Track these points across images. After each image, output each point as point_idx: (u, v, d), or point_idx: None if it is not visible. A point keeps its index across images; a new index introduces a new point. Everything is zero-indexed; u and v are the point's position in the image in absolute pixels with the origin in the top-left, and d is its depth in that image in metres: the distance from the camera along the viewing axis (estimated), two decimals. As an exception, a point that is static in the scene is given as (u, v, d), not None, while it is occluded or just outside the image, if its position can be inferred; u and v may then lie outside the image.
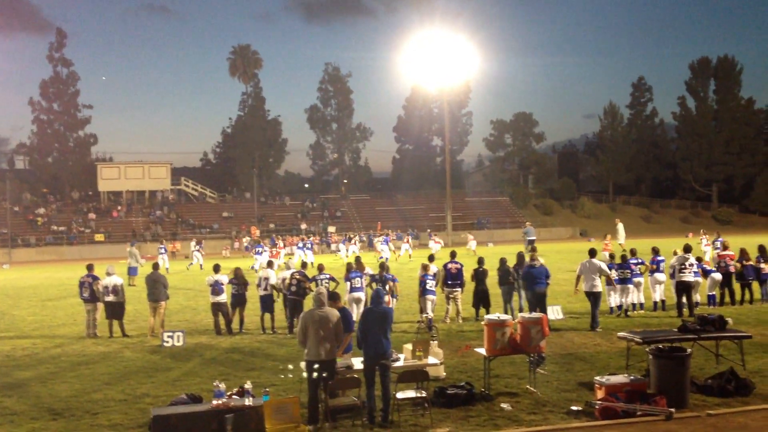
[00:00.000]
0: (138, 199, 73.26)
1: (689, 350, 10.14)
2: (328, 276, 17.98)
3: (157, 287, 17.39)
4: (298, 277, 17.59)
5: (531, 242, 41.43)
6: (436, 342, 12.13)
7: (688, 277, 17.35)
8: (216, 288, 17.36)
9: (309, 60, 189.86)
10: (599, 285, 16.42)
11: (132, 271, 31.62)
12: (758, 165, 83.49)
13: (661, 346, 10.45)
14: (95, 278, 17.81)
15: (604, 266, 16.79)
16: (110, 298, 17.48)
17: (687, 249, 17.94)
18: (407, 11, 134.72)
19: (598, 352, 13.30)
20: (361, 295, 17.77)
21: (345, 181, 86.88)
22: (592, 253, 16.87)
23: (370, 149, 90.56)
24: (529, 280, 16.40)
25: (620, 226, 42.64)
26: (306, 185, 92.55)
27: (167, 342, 15.70)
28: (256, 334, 16.96)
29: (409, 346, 11.03)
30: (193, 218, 69.28)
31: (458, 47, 60.23)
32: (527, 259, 17.61)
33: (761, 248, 19.77)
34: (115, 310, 17.53)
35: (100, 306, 17.72)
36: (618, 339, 12.48)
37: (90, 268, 18.15)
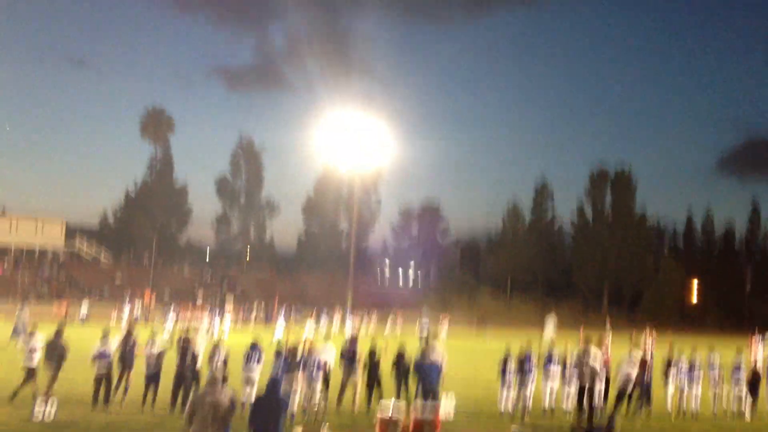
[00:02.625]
0: (27, 256, 70.05)
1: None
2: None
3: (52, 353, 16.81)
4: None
5: (425, 330, 41.87)
6: (327, 425, 11.99)
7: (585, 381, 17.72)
8: (101, 357, 16.69)
9: (224, 129, 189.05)
10: None
11: (16, 332, 30.02)
12: (647, 278, 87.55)
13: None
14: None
15: None
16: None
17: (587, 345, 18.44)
18: (326, 90, 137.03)
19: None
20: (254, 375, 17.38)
21: (247, 255, 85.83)
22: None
23: (276, 225, 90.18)
24: (421, 374, 16.55)
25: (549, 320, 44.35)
26: (207, 256, 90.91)
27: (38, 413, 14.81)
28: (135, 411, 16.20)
29: (299, 429, 10.86)
30: (84, 280, 66.61)
31: (372, 131, 61.33)
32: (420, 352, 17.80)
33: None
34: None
35: None
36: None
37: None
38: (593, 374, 17.10)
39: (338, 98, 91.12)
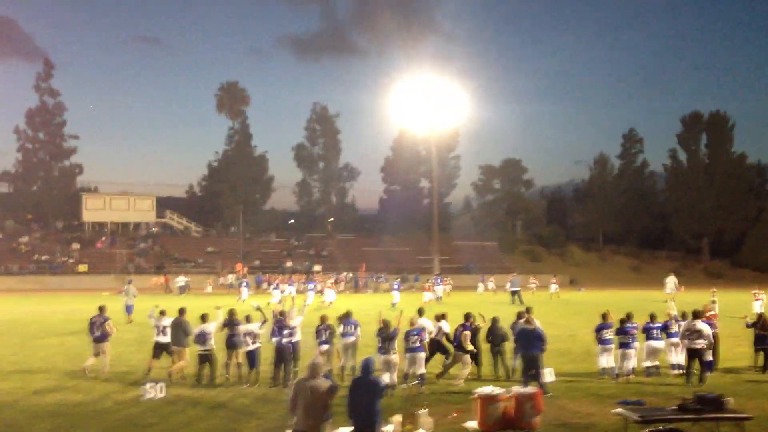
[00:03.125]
0: (122, 231, 72.55)
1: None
2: (327, 327, 17.11)
3: (178, 333, 17.09)
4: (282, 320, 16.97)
5: (515, 293, 41.17)
6: (425, 410, 11.66)
7: (696, 344, 16.89)
8: (202, 338, 16.84)
9: (298, 98, 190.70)
10: None
11: (129, 309, 30.52)
12: (749, 220, 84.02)
13: (659, 427, 10.07)
14: (106, 318, 17.88)
15: None
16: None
17: (696, 315, 17.54)
18: (398, 54, 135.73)
19: (593, 424, 12.78)
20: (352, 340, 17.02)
21: (331, 219, 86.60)
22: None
23: (356, 189, 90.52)
24: (522, 342, 15.99)
25: (670, 279, 43.20)
26: (291, 221, 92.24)
27: (149, 393, 15.10)
28: (236, 388, 16.32)
29: (398, 418, 10.58)
30: (177, 252, 68.56)
31: (447, 92, 60.51)
32: (522, 319, 17.22)
33: None
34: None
35: (108, 346, 17.74)
36: (613, 414, 12.06)
37: (102, 309, 18.26)
38: (699, 338, 16.35)
39: (410, 60, 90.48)
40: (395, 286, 42.76)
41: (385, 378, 14.80)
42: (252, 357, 16.77)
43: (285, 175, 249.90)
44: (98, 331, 17.68)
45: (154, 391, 15.07)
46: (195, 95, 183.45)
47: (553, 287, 50.63)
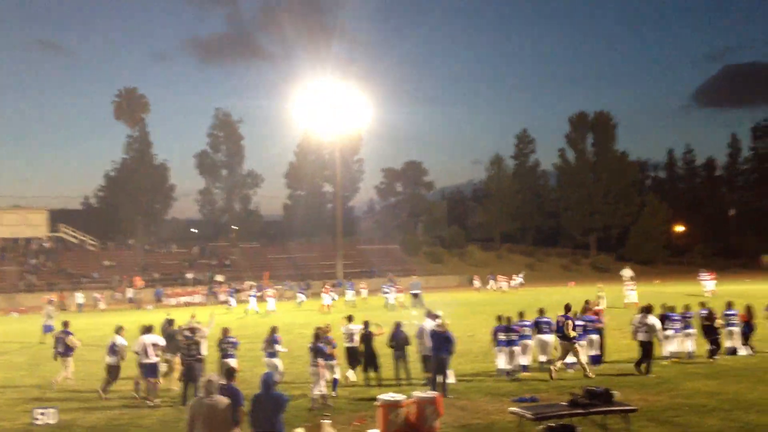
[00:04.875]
0: (12, 247, 69.44)
1: (579, 429, 10.38)
2: (233, 340, 17.21)
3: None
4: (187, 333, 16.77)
5: (416, 296, 41.90)
6: (329, 421, 11.89)
7: (642, 336, 17.94)
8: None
9: (201, 104, 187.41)
10: None
11: (47, 329, 30.00)
12: (633, 215, 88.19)
13: (551, 424, 10.65)
14: (69, 333, 18.87)
15: None
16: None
17: (645, 309, 18.51)
18: (303, 57, 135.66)
19: (491, 424, 13.35)
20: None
21: (235, 227, 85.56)
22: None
23: (261, 195, 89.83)
24: (434, 344, 16.40)
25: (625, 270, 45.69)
26: (194, 230, 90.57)
27: (38, 420, 14.63)
28: (139, 410, 16.05)
29: (300, 430, 10.77)
30: (72, 267, 66.18)
31: (350, 96, 60.98)
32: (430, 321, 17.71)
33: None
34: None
35: (70, 361, 18.71)
36: (509, 412, 12.62)
37: (65, 324, 19.38)
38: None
39: (314, 64, 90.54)
40: (302, 291, 43.42)
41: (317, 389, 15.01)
42: (151, 369, 16.54)
43: (188, 184, 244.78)
44: (61, 346, 18.65)
45: (46, 417, 14.64)
46: (94, 102, 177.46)
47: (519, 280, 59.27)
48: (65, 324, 19.50)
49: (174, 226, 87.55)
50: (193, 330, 16.83)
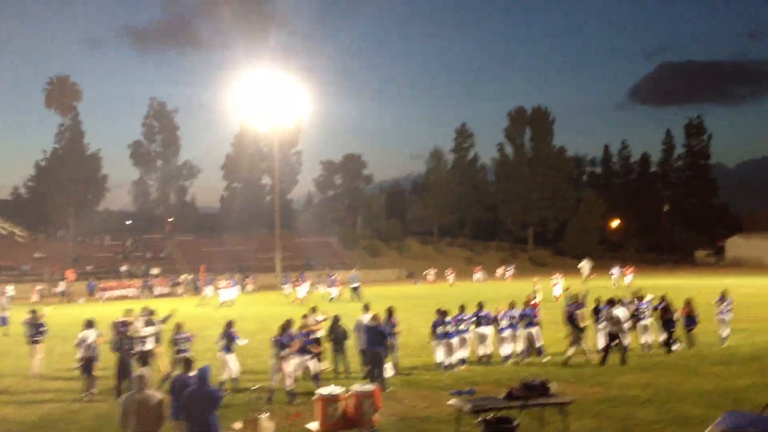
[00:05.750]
0: (-65, 238, 66.81)
1: (516, 421, 10.41)
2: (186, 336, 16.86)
3: None
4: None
5: (355, 289, 41.80)
6: (266, 415, 11.68)
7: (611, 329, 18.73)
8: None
9: (136, 92, 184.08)
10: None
11: (3, 321, 29.59)
12: (569, 210, 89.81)
13: (489, 416, 10.65)
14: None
15: None
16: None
17: (610, 302, 19.27)
18: (241, 48, 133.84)
19: (429, 417, 13.34)
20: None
21: (170, 219, 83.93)
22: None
23: (197, 187, 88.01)
24: (368, 338, 16.31)
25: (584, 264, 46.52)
26: (128, 222, 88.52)
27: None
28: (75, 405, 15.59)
29: (238, 425, 10.54)
30: (0, 259, 63.92)
31: (289, 87, 60.35)
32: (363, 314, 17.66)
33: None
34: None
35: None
36: (447, 405, 12.62)
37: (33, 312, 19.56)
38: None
39: (253, 54, 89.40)
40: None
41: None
42: (88, 364, 16.33)
43: (122, 174, 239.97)
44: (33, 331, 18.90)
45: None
46: (25, 90, 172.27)
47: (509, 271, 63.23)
48: (33, 312, 19.55)
49: (107, 218, 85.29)
50: (125, 324, 16.71)
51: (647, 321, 20.31)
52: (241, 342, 17.01)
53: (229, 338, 16.42)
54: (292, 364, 15.35)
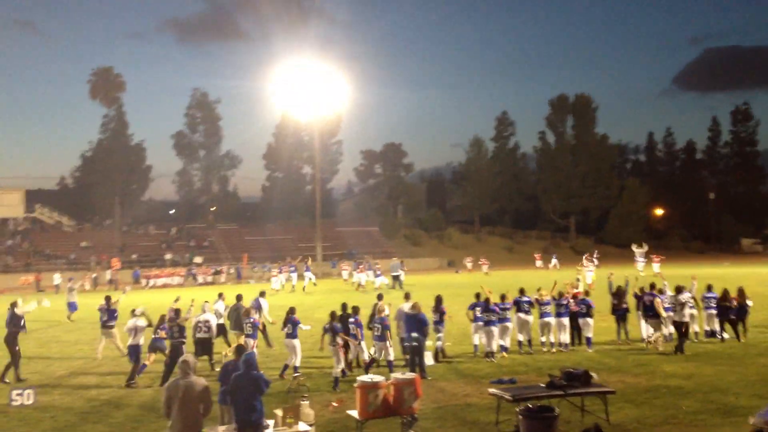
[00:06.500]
0: (-12, 227, 68.56)
1: (557, 410, 10.37)
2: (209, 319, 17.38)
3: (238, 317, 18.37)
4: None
5: (396, 278, 41.80)
6: (307, 402, 11.79)
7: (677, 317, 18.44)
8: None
9: (178, 84, 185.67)
10: None
11: (71, 307, 30.46)
12: (612, 198, 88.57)
13: (530, 405, 10.64)
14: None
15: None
16: (201, 334, 17.51)
17: (678, 290, 18.73)
18: (282, 38, 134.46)
19: (469, 405, 13.35)
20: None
21: (212, 209, 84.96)
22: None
23: (239, 176, 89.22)
24: (407, 327, 16.37)
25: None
26: (171, 211, 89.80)
27: (15, 401, 14.44)
28: (122, 391, 15.92)
29: (279, 412, 10.65)
30: (48, 248, 65.45)
31: (329, 76, 60.45)
32: (405, 304, 17.67)
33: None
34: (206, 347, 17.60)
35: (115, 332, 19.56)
36: (488, 394, 12.62)
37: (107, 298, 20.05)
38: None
39: (294, 45, 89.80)
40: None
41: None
42: (134, 351, 16.68)
43: (165, 164, 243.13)
44: (104, 316, 19.61)
45: (21, 398, 14.44)
46: (70, 82, 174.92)
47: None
48: (107, 298, 20.11)
49: (151, 207, 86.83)
50: (177, 312, 17.12)
51: (693, 311, 19.93)
52: (305, 327, 17.42)
53: (293, 324, 16.68)
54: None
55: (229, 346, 17.93)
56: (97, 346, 20.18)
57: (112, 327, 19.61)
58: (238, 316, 18.50)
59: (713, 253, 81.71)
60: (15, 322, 17.56)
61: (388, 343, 16.29)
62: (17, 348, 17.31)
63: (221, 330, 19.41)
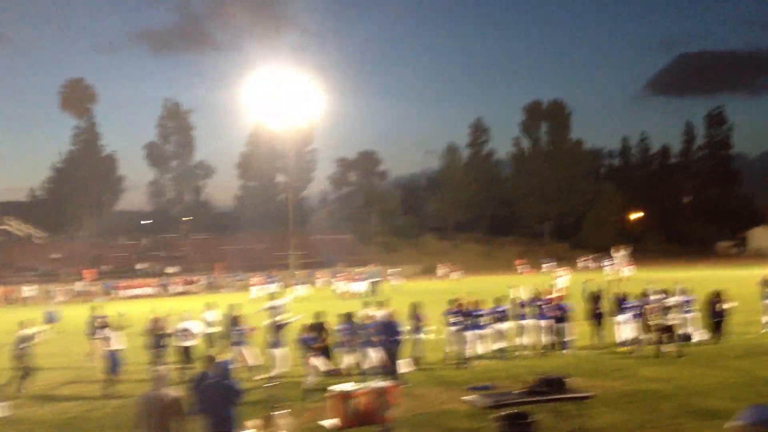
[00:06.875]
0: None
1: (534, 416, 10.17)
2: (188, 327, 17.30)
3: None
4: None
5: (374, 284, 41.62)
6: (282, 412, 11.47)
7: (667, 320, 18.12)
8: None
9: (151, 94, 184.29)
10: None
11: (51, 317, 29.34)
12: (587, 203, 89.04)
13: (506, 413, 10.41)
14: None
15: None
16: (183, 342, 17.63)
17: (663, 293, 18.79)
18: (255, 47, 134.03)
19: (446, 412, 13.12)
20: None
21: (186, 219, 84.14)
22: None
23: (212, 186, 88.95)
24: (383, 335, 16.13)
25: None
26: (144, 222, 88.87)
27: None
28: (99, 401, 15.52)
29: (255, 421, 10.35)
30: (18, 260, 64.23)
31: (303, 85, 60.13)
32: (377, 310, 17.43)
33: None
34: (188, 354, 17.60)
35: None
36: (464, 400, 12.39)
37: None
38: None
39: (267, 54, 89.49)
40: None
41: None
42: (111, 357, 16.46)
43: (137, 175, 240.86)
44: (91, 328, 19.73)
45: (-1, 410, 14.08)
46: (40, 94, 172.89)
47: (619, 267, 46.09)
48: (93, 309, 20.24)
49: (123, 218, 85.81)
50: (157, 321, 17.50)
51: (688, 315, 19.84)
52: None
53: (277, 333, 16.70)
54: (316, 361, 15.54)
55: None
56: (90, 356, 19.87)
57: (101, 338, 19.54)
58: (227, 325, 18.53)
59: (689, 256, 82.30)
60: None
61: (370, 350, 16.07)
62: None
63: (210, 338, 19.38)
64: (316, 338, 16.12)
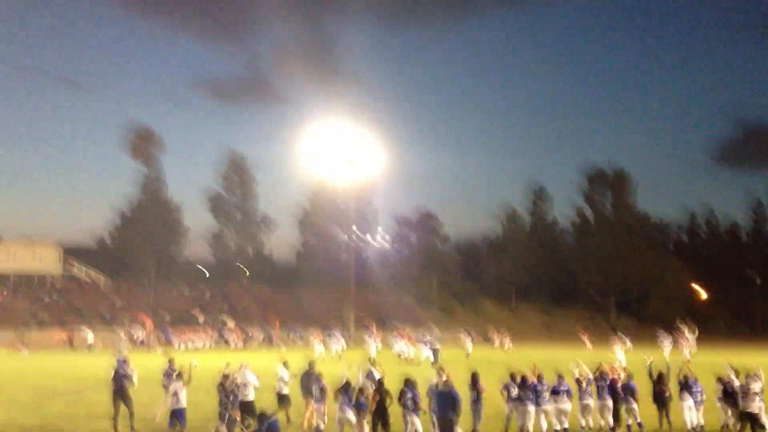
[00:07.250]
0: (25, 283, 69.15)
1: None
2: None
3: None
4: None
5: (435, 351, 40.76)
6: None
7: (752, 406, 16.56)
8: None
9: (214, 143, 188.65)
10: None
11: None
12: (653, 277, 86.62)
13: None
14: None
15: None
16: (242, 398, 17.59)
17: (749, 377, 17.22)
18: (314, 99, 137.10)
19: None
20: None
21: (246, 273, 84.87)
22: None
23: (273, 240, 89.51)
24: (438, 405, 15.68)
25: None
26: (205, 273, 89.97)
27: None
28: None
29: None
30: (83, 305, 65.56)
31: (365, 141, 60.71)
32: (436, 378, 16.92)
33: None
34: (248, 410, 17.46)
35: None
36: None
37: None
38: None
39: (329, 108, 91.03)
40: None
41: None
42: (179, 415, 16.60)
43: (198, 224, 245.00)
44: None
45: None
46: (109, 140, 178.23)
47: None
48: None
49: (186, 268, 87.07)
50: (225, 377, 17.15)
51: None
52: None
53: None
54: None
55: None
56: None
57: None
58: (309, 381, 18.39)
59: (758, 339, 78.82)
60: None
61: (416, 416, 15.56)
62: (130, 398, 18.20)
63: (284, 398, 19.56)
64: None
